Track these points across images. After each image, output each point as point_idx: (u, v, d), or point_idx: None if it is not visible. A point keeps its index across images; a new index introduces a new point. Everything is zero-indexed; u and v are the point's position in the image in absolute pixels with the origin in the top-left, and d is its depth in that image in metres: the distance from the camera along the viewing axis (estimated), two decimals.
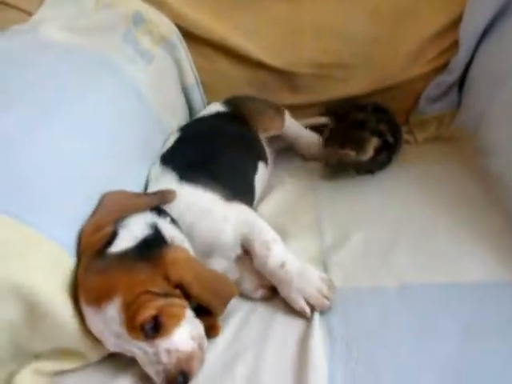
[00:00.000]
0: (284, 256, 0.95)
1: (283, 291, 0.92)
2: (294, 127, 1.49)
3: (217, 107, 1.41)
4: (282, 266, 0.93)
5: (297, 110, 1.51)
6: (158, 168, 1.10)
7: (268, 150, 1.40)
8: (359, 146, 1.30)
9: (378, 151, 1.31)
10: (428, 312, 0.87)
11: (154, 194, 0.98)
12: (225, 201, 1.01)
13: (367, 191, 1.27)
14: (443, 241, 1.04)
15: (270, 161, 1.39)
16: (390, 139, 1.35)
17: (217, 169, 1.10)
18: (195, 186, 1.02)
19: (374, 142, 1.31)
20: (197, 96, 1.52)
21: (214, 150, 1.15)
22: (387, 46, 1.48)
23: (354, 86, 1.53)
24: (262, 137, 1.39)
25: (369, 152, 1.30)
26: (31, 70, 0.96)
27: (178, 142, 1.21)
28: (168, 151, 1.17)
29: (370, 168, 1.34)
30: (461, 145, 1.42)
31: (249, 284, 0.96)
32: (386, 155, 1.35)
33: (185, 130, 1.27)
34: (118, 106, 1.10)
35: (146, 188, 1.07)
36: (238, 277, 0.98)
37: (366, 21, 1.46)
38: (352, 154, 1.29)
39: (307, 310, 0.88)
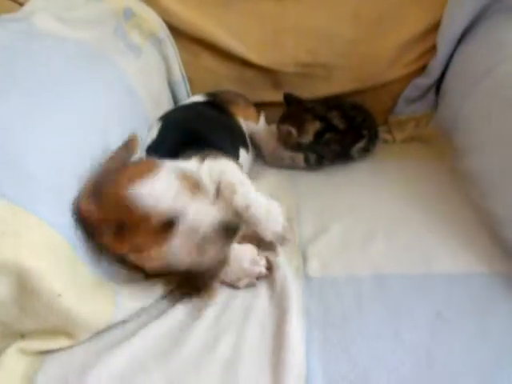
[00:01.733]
0: (249, 198, 0.98)
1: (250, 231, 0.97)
2: (266, 131, 1.52)
3: (197, 97, 1.44)
4: (247, 208, 0.97)
5: (280, 108, 1.53)
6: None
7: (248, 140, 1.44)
8: (300, 125, 1.39)
9: (319, 134, 1.39)
10: (401, 299, 0.90)
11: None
12: None
13: (346, 185, 1.31)
14: (417, 233, 1.07)
15: (250, 148, 1.42)
16: (341, 126, 1.40)
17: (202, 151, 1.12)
18: None
19: (315, 125, 1.39)
20: (183, 91, 1.55)
21: (197, 135, 1.18)
22: (368, 47, 1.51)
23: (335, 85, 1.57)
24: (243, 124, 1.42)
25: (308, 133, 1.38)
26: (25, 57, 0.97)
27: (161, 131, 1.22)
28: (153, 142, 1.18)
29: (318, 152, 1.40)
30: (437, 144, 1.47)
31: (233, 274, 0.97)
32: (338, 145, 1.40)
33: (166, 119, 1.29)
34: (109, 96, 1.12)
35: None
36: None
37: (347, 23, 1.50)
38: (292, 130, 1.38)
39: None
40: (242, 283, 0.95)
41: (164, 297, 0.95)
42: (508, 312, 0.87)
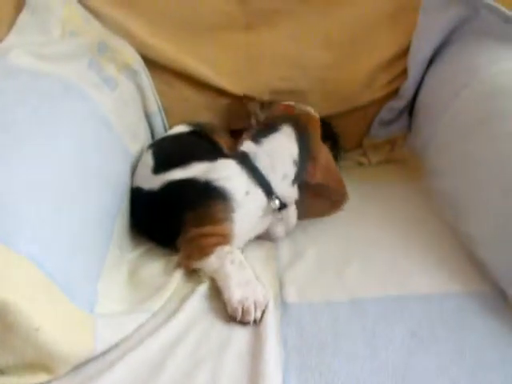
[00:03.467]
0: None
1: None
2: None
3: (180, 128, 1.45)
4: None
5: None
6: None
7: None
8: None
9: None
10: (377, 322, 0.91)
11: None
12: None
13: None
14: (392, 255, 1.09)
15: None
16: None
17: None
18: None
19: None
20: (159, 122, 1.56)
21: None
22: (341, 72, 1.54)
23: None
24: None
25: None
26: (0, 95, 0.99)
27: (155, 154, 1.26)
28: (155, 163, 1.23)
29: None
30: (411, 166, 1.49)
31: None
32: None
33: (158, 146, 1.33)
34: (85, 131, 1.12)
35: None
36: None
37: (320, 49, 1.53)
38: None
39: None
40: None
41: (143, 325, 0.94)
42: (482, 331, 0.88)
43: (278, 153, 1.16)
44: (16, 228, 0.81)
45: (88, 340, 0.85)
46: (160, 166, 1.20)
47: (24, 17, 1.29)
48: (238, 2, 1.48)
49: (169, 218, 1.14)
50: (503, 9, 1.31)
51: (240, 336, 0.90)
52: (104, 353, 0.87)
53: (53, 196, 0.92)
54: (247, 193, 1.11)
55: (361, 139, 1.66)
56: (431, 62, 1.51)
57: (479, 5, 1.34)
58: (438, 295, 0.97)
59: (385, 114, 1.60)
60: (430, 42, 1.47)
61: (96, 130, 1.18)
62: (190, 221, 1.10)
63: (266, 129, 1.21)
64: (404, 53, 1.53)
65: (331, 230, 1.19)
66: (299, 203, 1.17)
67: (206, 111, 1.59)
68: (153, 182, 1.18)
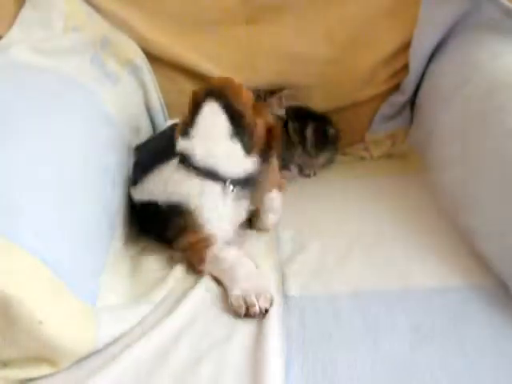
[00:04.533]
0: None
1: None
2: None
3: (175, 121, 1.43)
4: None
5: None
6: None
7: None
8: None
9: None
10: (379, 315, 0.91)
11: None
12: None
13: (323, 202, 1.34)
14: (394, 249, 1.09)
15: None
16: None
17: None
18: None
19: None
20: (160, 116, 1.56)
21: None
22: (342, 67, 1.55)
23: (311, 104, 1.59)
24: None
25: None
26: (2, 89, 0.99)
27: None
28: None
29: None
30: (413, 160, 1.50)
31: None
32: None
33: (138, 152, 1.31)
34: (87, 126, 1.13)
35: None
36: None
37: (321, 44, 1.54)
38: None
39: None
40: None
41: (146, 317, 0.95)
42: (484, 324, 0.88)
43: (210, 135, 1.10)
44: (18, 223, 0.81)
45: (91, 333, 0.85)
46: (136, 177, 1.20)
47: (26, 12, 1.29)
48: None
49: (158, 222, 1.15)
50: (505, 2, 1.30)
51: (243, 328, 0.90)
52: (107, 345, 0.87)
53: (55, 191, 0.93)
54: (202, 192, 1.08)
55: (363, 134, 1.66)
56: (432, 56, 1.51)
57: None
58: (440, 289, 0.97)
59: (386, 108, 1.60)
60: (432, 37, 1.47)
61: (98, 124, 1.18)
62: (175, 231, 1.11)
63: (191, 116, 1.13)
64: (405, 47, 1.53)
65: (333, 223, 1.19)
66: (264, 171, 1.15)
67: None
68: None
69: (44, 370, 0.81)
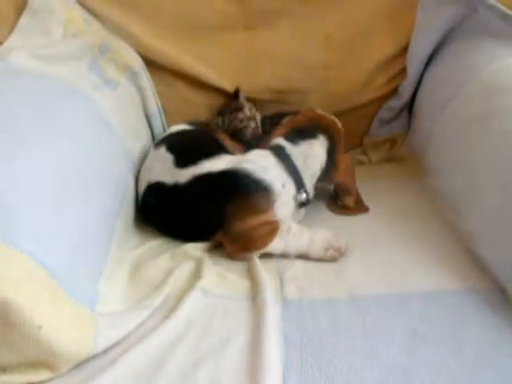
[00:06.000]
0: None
1: None
2: None
3: (181, 126, 1.45)
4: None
5: None
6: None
7: None
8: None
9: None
10: (377, 319, 0.91)
11: None
12: None
13: (321, 205, 1.35)
14: (392, 252, 1.10)
15: None
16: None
17: None
18: None
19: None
20: (158, 122, 1.56)
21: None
22: (340, 72, 1.56)
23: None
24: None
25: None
26: (2, 95, 0.99)
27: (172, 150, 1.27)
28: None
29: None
30: (411, 164, 1.50)
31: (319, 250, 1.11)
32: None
33: (170, 141, 1.34)
34: (86, 132, 1.13)
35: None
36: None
37: (319, 48, 1.54)
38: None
39: None
40: (328, 254, 1.09)
41: (145, 322, 0.95)
42: (482, 327, 0.89)
43: (312, 157, 1.25)
44: (17, 227, 0.81)
45: (89, 338, 0.85)
46: (182, 160, 1.21)
47: (25, 19, 1.29)
48: (238, 2, 1.49)
49: (201, 211, 1.17)
50: (501, 7, 1.31)
51: (240, 332, 0.90)
52: (105, 350, 0.88)
53: (54, 196, 0.93)
54: (283, 185, 1.17)
55: (361, 138, 1.68)
56: (430, 60, 1.52)
57: (477, 3, 1.34)
58: (438, 292, 0.98)
59: (384, 112, 1.61)
60: (429, 41, 1.47)
61: (97, 130, 1.18)
62: (232, 213, 1.13)
63: (303, 133, 1.27)
64: (403, 52, 1.54)
65: (331, 227, 1.19)
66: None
67: (205, 111, 1.60)
68: (178, 175, 1.19)
69: (43, 374, 0.81)
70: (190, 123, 1.47)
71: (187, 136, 1.39)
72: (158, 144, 1.34)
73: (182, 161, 1.21)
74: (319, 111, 1.40)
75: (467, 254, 1.07)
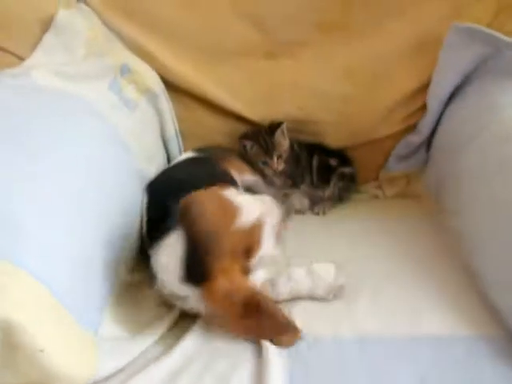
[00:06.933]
0: None
1: None
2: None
3: (189, 154, 1.45)
4: None
5: None
6: None
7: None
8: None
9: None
10: (385, 364, 0.89)
11: None
12: None
13: (334, 239, 1.33)
14: (404, 293, 1.07)
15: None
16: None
17: None
18: None
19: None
20: (175, 145, 1.57)
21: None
22: (360, 105, 1.55)
23: (326, 139, 1.61)
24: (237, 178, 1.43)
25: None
26: (23, 114, 1.00)
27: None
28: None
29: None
30: (426, 202, 1.49)
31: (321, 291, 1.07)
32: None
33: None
34: (102, 153, 1.14)
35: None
36: None
37: (341, 80, 1.54)
38: (247, 144, 1.52)
39: None
40: (330, 296, 1.06)
41: (148, 350, 0.94)
42: (493, 377, 0.86)
43: None
44: (25, 246, 0.81)
45: (91, 363, 0.85)
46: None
47: (49, 37, 1.31)
48: (261, 31, 1.50)
49: None
50: None
51: (243, 368, 0.89)
52: (107, 378, 0.87)
53: (65, 216, 0.93)
54: None
55: (377, 172, 1.66)
56: (451, 98, 1.50)
57: (502, 44, 1.33)
58: (448, 338, 0.95)
59: (402, 148, 1.60)
60: (451, 79, 1.46)
61: (113, 151, 1.19)
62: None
63: None
64: (424, 88, 1.53)
65: (342, 262, 1.17)
66: None
67: (223, 136, 1.61)
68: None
69: None
70: (199, 150, 1.46)
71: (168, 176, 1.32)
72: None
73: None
74: None
75: (480, 297, 1.04)
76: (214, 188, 1.07)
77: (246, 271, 0.99)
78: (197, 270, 0.95)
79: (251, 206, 1.06)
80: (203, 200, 1.01)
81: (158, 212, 1.13)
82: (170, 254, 0.99)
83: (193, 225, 0.97)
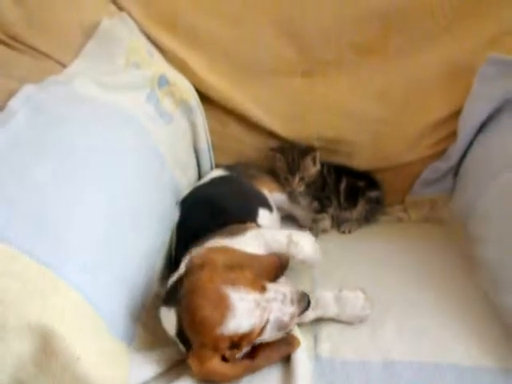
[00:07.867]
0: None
1: None
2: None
3: (217, 172, 1.49)
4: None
5: None
6: None
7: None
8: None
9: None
10: None
11: None
12: None
13: (359, 264, 1.33)
14: (428, 319, 1.08)
15: (273, 208, 1.44)
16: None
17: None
18: None
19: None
20: (206, 159, 1.59)
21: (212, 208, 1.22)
22: (392, 128, 1.56)
23: (356, 161, 1.62)
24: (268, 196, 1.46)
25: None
26: (63, 122, 1.03)
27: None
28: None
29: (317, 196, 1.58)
30: (452, 227, 1.49)
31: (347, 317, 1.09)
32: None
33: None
34: (140, 165, 1.17)
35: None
36: None
37: (374, 102, 1.55)
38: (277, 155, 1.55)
39: None
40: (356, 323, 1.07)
41: (175, 365, 0.96)
42: None
43: None
44: (67, 257, 0.84)
45: (124, 373, 0.87)
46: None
47: (91, 45, 1.34)
48: (298, 49, 1.52)
49: None
50: None
51: None
52: None
53: (105, 227, 0.95)
54: None
55: (403, 195, 1.67)
56: (482, 126, 1.50)
57: None
58: (472, 368, 0.96)
59: (429, 173, 1.60)
60: (484, 108, 1.46)
61: (150, 163, 1.22)
62: None
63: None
64: (455, 115, 1.53)
65: (367, 288, 1.18)
66: None
67: (254, 151, 1.63)
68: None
69: None
70: (228, 168, 1.50)
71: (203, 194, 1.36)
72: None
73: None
74: None
75: (504, 329, 1.05)
76: (231, 251, 1.02)
77: (232, 356, 0.90)
78: (184, 336, 0.91)
79: (251, 310, 0.91)
80: (204, 283, 0.90)
81: (183, 239, 1.18)
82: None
83: (184, 301, 0.90)
